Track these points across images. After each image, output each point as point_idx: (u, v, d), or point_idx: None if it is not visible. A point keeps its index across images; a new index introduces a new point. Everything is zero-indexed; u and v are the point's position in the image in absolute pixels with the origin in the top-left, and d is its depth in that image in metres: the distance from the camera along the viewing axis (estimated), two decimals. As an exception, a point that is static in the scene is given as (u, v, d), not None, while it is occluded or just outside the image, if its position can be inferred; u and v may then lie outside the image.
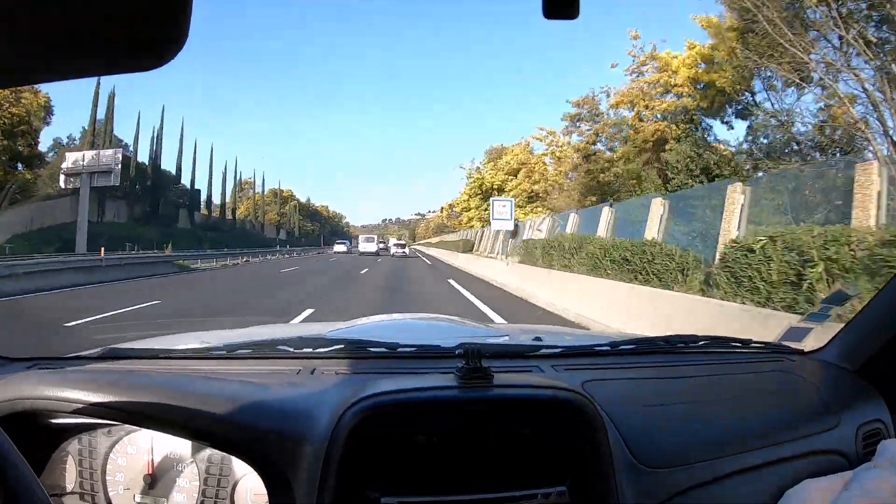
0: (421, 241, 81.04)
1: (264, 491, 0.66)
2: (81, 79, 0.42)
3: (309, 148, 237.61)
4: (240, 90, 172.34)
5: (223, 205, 52.24)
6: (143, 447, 0.83)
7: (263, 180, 69.82)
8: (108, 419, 0.70)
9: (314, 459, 0.63)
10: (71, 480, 0.87)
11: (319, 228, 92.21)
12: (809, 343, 1.16)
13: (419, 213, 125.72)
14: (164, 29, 0.33)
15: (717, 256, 6.69)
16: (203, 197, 48.42)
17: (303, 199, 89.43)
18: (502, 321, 6.09)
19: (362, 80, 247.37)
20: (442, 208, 72.12)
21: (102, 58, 0.36)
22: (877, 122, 11.11)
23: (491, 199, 21.89)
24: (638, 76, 20.32)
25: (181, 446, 0.83)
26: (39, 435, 0.82)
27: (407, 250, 35.51)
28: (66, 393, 0.67)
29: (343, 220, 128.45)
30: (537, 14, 0.43)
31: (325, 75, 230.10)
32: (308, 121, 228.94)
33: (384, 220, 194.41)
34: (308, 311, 7.24)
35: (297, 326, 2.14)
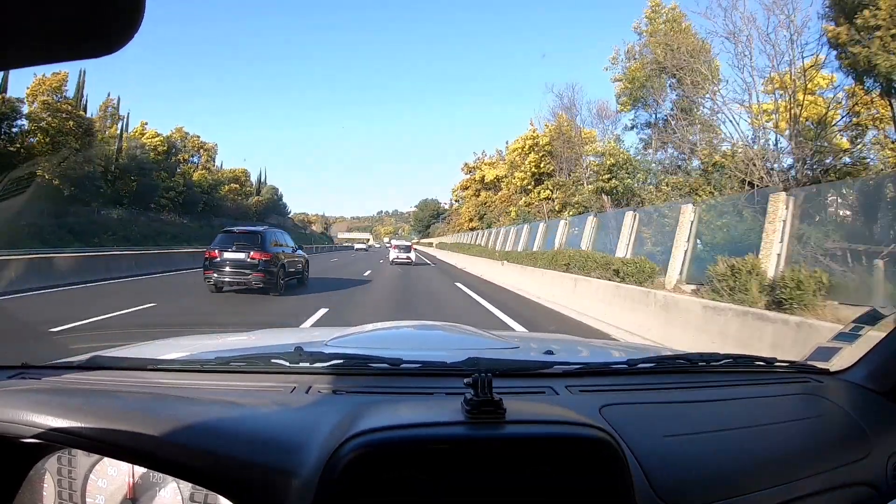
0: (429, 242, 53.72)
1: None
2: (28, 67, 0.39)
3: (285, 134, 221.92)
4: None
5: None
6: (123, 469, 0.78)
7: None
8: (71, 447, 0.64)
9: (303, 497, 0.57)
10: (49, 501, 0.81)
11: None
12: (836, 364, 1.10)
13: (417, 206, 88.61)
14: (118, 14, 0.32)
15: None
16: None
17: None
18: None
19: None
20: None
21: (54, 45, 0.35)
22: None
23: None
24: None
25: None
26: (14, 449, 0.76)
27: (412, 255, 25.42)
28: (22, 416, 0.60)
29: (271, 189, 61.51)
30: None
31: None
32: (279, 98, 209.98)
33: (379, 212, 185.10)
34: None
35: (299, 332, 2.08)
